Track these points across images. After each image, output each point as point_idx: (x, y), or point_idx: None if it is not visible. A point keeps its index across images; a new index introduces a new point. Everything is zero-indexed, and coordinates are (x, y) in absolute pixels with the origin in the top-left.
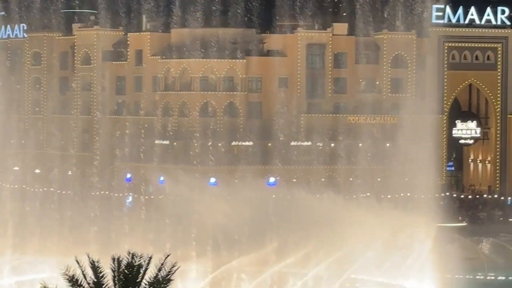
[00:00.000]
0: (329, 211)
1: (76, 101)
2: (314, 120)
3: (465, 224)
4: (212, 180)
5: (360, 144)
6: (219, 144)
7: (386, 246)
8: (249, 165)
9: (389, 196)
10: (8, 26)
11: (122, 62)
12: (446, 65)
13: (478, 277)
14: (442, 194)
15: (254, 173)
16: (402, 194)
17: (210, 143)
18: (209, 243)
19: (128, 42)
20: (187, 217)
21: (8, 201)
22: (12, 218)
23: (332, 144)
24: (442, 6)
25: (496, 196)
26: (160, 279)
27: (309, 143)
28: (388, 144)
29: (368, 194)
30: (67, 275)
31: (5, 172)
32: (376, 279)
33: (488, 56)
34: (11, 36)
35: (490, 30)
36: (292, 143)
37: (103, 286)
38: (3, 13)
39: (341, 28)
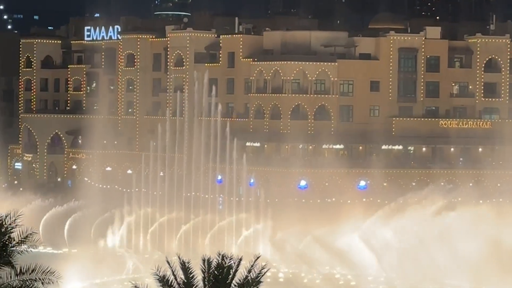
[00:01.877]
0: None
1: (168, 102)
2: (405, 124)
3: None
4: (303, 183)
5: (452, 149)
6: (310, 147)
7: None
8: (339, 168)
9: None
10: (103, 27)
11: (215, 65)
12: None
13: None
14: None
15: (344, 176)
16: None
17: (300, 146)
18: None
19: (220, 44)
20: None
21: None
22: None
23: (424, 148)
24: None
25: None
26: (250, 281)
27: (400, 147)
28: (480, 149)
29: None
30: (157, 275)
31: (98, 172)
32: None
33: None
34: (105, 38)
35: None
36: (384, 147)
37: (193, 287)
38: (97, 15)
39: (434, 32)
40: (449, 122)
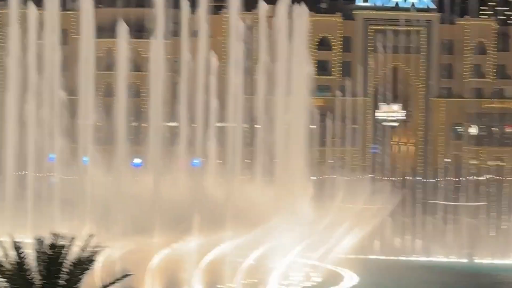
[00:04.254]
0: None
1: None
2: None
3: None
4: (137, 160)
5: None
6: (145, 125)
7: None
8: (174, 146)
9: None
10: None
11: None
12: (370, 48)
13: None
14: (368, 176)
15: (180, 154)
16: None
17: (135, 123)
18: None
19: None
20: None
21: None
22: None
23: (257, 126)
24: None
25: (419, 178)
26: (83, 260)
27: (234, 124)
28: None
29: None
30: None
31: None
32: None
33: (412, 39)
34: None
35: (414, 13)
36: (217, 124)
37: (26, 267)
38: None
39: None
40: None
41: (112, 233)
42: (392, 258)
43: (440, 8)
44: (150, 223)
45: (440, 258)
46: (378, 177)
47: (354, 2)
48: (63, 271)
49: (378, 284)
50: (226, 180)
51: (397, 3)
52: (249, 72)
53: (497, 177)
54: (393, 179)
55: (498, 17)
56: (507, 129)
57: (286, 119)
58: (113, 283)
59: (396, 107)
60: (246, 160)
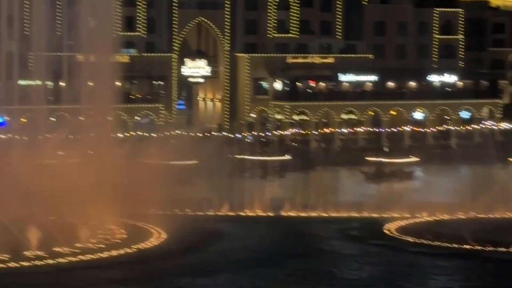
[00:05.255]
0: None
1: None
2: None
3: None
4: None
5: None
6: None
7: None
8: None
9: None
10: None
11: None
12: (175, 4)
13: None
14: (175, 132)
15: None
16: None
17: None
18: None
19: None
20: None
21: None
22: None
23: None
24: None
25: (225, 133)
26: None
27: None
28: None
29: None
30: None
31: None
32: None
33: None
34: None
35: None
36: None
37: None
38: None
39: None
40: None
41: None
42: (200, 213)
43: None
44: None
45: (246, 213)
46: (185, 134)
47: None
48: None
49: (186, 240)
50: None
51: None
52: (54, 29)
53: (302, 131)
54: (200, 135)
55: None
56: (311, 84)
57: (90, 77)
58: None
59: (201, 63)
60: (50, 119)
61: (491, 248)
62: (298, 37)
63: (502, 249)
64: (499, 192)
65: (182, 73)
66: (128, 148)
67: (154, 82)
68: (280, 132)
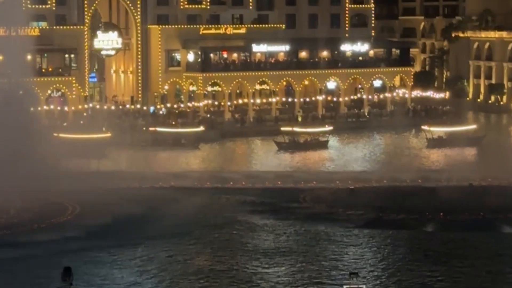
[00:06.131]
0: None
1: None
2: None
3: (110, 135)
4: None
5: None
6: None
7: None
8: None
9: None
10: None
11: None
12: None
13: None
14: (88, 106)
15: None
16: None
17: None
18: None
19: None
20: None
21: None
22: None
23: None
24: None
25: (138, 106)
26: None
27: None
28: None
29: None
30: None
31: None
32: None
33: None
34: None
35: None
36: None
37: None
38: None
39: None
40: None
41: None
42: (111, 187)
43: None
44: None
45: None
46: (98, 107)
47: None
48: None
49: (98, 211)
50: None
51: None
52: None
53: (215, 103)
54: (113, 108)
55: None
56: (224, 55)
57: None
58: None
59: (113, 35)
60: None
61: (402, 216)
62: (210, 8)
63: (414, 216)
64: (410, 160)
65: (94, 45)
66: (41, 122)
67: (65, 55)
68: (194, 103)
